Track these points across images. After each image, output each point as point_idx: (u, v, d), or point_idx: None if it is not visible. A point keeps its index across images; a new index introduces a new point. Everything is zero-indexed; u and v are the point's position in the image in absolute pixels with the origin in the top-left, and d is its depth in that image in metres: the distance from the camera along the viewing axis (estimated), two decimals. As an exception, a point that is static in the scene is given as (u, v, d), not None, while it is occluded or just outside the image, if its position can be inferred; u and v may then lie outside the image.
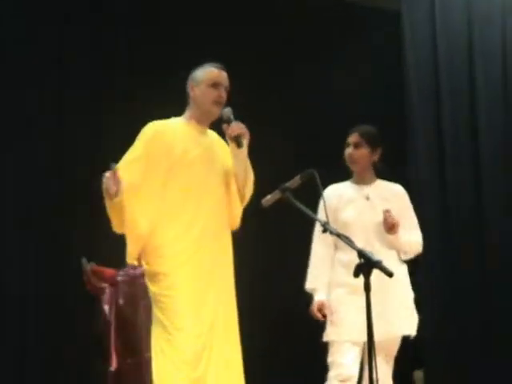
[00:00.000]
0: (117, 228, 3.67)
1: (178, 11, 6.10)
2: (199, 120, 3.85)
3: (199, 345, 3.58)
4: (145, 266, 3.70)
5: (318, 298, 4.27)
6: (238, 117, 3.79)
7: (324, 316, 4.25)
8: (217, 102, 3.79)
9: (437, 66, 5.84)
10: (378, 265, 3.34)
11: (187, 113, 3.87)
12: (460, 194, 5.81)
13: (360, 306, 3.98)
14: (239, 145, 3.73)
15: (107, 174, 3.51)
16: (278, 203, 3.78)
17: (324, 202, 3.89)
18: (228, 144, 3.84)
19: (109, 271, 5.20)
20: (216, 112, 3.80)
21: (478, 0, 5.93)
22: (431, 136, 5.83)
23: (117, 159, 3.67)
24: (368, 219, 4.22)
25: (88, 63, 5.80)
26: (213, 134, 3.94)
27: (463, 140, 5.86)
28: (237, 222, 3.93)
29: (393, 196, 4.35)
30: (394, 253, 4.24)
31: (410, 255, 4.34)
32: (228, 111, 3.78)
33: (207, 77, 3.81)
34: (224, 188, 3.82)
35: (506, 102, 5.89)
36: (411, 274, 4.39)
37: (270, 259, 6.16)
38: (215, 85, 3.80)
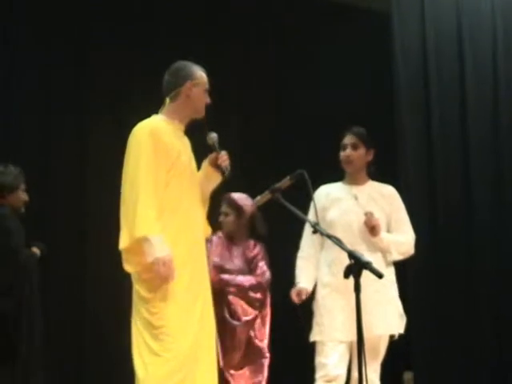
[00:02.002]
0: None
1: (176, 11, 6.11)
2: (182, 120, 3.85)
3: (188, 350, 3.59)
4: (137, 269, 3.64)
5: (300, 284, 4.26)
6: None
7: (301, 302, 4.22)
8: (206, 108, 3.89)
9: (426, 60, 5.81)
10: (367, 266, 3.35)
11: (170, 111, 3.84)
12: (449, 192, 5.81)
13: (342, 305, 4.08)
14: (224, 175, 3.86)
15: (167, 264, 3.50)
16: (268, 204, 3.80)
17: (314, 202, 3.93)
18: (207, 166, 3.90)
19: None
20: (203, 115, 3.89)
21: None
22: (421, 137, 5.81)
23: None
24: (353, 219, 4.20)
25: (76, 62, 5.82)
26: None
27: (452, 134, 5.85)
28: (208, 230, 3.98)
29: (383, 197, 4.33)
30: (379, 254, 4.22)
31: (400, 256, 4.31)
32: (215, 137, 3.88)
33: (204, 81, 3.87)
34: (200, 195, 3.88)
35: (495, 94, 5.88)
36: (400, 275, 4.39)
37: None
38: (207, 91, 3.89)
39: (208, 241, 4.99)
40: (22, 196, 4.86)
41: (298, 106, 6.49)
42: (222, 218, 5.10)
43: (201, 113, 3.88)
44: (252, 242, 5.09)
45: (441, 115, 5.83)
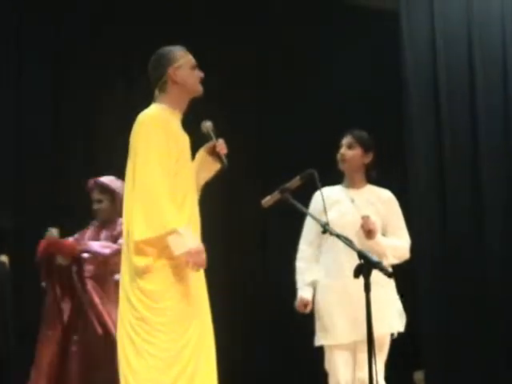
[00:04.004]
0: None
1: (175, 10, 6.11)
2: (182, 106, 3.76)
3: (182, 351, 3.51)
4: (149, 262, 3.53)
5: (300, 294, 4.29)
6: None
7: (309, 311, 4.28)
8: (201, 81, 3.78)
9: (435, 67, 5.79)
10: (378, 265, 3.36)
11: (166, 100, 3.72)
12: (459, 196, 5.77)
13: (342, 307, 4.15)
14: (223, 163, 3.76)
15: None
16: (277, 204, 3.80)
17: (324, 202, 3.91)
18: (204, 155, 3.82)
19: (68, 243, 4.81)
20: (201, 91, 3.78)
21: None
22: (430, 138, 5.77)
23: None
24: (350, 221, 4.20)
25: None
26: None
27: (462, 141, 5.82)
28: None
29: (380, 201, 4.38)
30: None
31: (395, 260, 4.34)
32: (209, 125, 3.79)
33: (186, 59, 3.74)
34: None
35: (506, 101, 5.84)
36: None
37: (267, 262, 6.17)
38: (195, 66, 3.77)
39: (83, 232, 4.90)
40: None
41: (304, 108, 6.49)
42: (96, 206, 4.88)
43: (195, 90, 3.75)
44: (120, 220, 4.65)
45: (450, 117, 5.79)
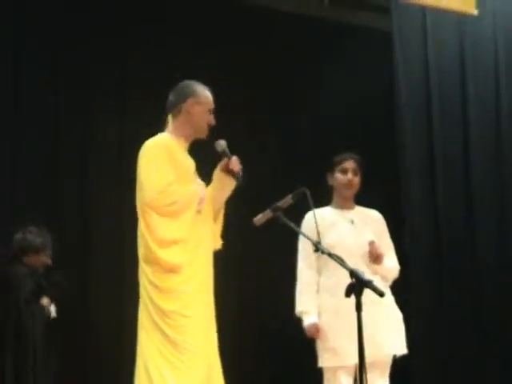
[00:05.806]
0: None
1: (176, 10, 6.10)
2: (188, 137, 3.86)
3: (207, 365, 3.64)
4: (155, 281, 3.66)
5: (311, 320, 4.26)
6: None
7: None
8: (209, 127, 3.88)
9: (428, 88, 5.80)
10: (369, 284, 3.36)
11: (173, 128, 3.84)
12: (451, 214, 5.82)
13: (348, 328, 4.03)
14: (237, 180, 3.85)
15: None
16: (269, 223, 3.80)
17: (316, 221, 3.87)
18: (219, 173, 3.89)
19: None
20: (205, 135, 3.90)
21: (469, 20, 5.87)
22: (423, 158, 5.80)
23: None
24: (353, 242, 4.21)
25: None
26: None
27: (455, 160, 5.86)
28: (219, 242, 3.97)
29: (372, 221, 4.40)
30: (378, 276, 4.25)
31: (389, 280, 4.37)
32: (223, 144, 3.85)
33: (208, 101, 3.87)
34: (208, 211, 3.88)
35: (497, 123, 5.89)
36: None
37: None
38: (211, 111, 3.89)
39: None
40: (45, 259, 5.05)
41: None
42: None
43: (203, 132, 3.88)
44: None
45: (444, 138, 5.83)
